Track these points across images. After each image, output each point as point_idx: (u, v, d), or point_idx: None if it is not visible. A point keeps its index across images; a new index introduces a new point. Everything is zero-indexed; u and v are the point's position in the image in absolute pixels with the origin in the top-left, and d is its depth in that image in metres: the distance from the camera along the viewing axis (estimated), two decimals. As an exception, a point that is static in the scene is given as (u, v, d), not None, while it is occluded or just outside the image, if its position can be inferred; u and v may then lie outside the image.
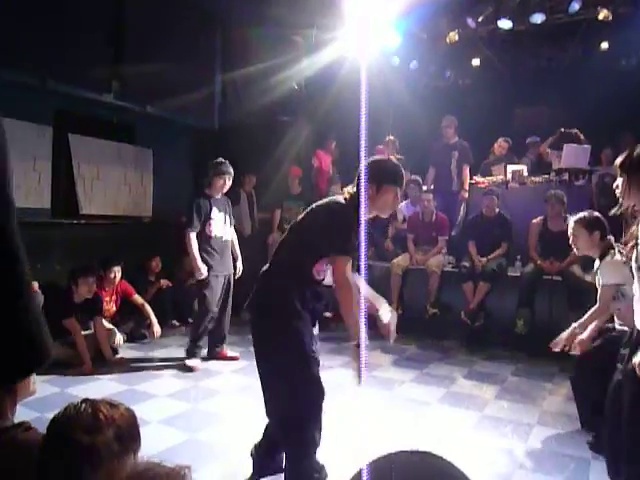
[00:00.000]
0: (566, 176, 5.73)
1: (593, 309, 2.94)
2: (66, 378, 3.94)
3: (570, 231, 3.09)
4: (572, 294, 4.70)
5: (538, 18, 6.73)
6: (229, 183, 4.55)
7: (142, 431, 1.28)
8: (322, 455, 2.33)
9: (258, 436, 2.56)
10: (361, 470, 1.33)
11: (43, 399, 3.26)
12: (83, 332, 4.35)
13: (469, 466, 1.51)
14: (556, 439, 3.09)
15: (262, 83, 7.00)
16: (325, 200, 2.41)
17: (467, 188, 6.46)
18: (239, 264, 4.69)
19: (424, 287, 5.62)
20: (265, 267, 2.41)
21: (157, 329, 4.81)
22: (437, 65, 8.50)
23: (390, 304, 2.58)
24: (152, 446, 2.74)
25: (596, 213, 3.11)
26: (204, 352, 4.58)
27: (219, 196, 4.56)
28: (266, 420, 2.45)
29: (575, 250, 3.14)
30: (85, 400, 1.23)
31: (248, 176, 6.57)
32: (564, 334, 3.02)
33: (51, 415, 1.21)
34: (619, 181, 2.22)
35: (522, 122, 8.29)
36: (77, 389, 3.74)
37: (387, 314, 2.41)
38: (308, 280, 2.28)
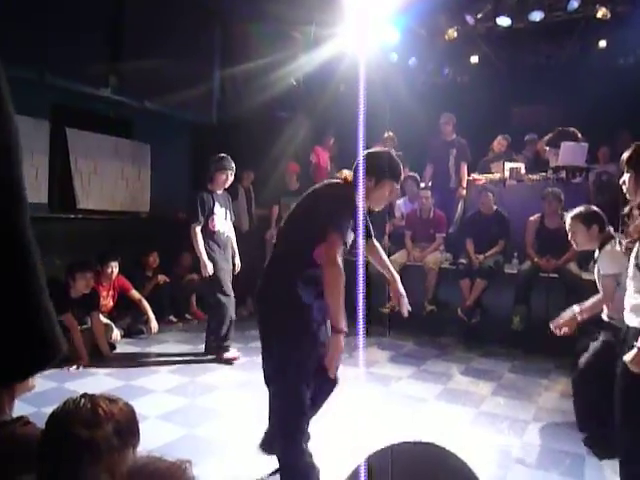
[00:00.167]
0: (563, 174, 5.75)
1: (597, 298, 2.90)
2: (63, 373, 3.94)
3: (568, 227, 3.08)
4: (569, 291, 4.70)
5: (537, 16, 6.74)
6: (231, 178, 4.54)
7: (140, 426, 1.28)
8: (318, 451, 2.33)
9: (256, 431, 2.57)
10: (359, 466, 1.33)
11: (40, 394, 3.26)
12: (80, 327, 4.35)
13: (465, 462, 1.52)
14: (552, 435, 3.11)
15: (261, 79, 6.99)
16: (318, 185, 2.42)
17: (465, 185, 6.47)
18: (237, 260, 4.68)
19: (421, 284, 5.63)
20: (267, 260, 2.40)
21: (154, 325, 4.81)
22: (435, 62, 8.49)
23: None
24: (150, 441, 2.73)
25: (593, 207, 3.10)
26: (227, 342, 4.49)
27: (221, 191, 4.55)
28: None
29: (574, 245, 3.12)
30: (84, 395, 1.23)
31: (246, 172, 6.56)
32: (565, 314, 2.97)
33: (48, 410, 1.21)
34: (626, 177, 2.20)
35: (520, 120, 8.30)
36: (74, 384, 3.74)
37: (400, 284, 2.56)
38: (310, 265, 2.22)
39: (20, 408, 1.51)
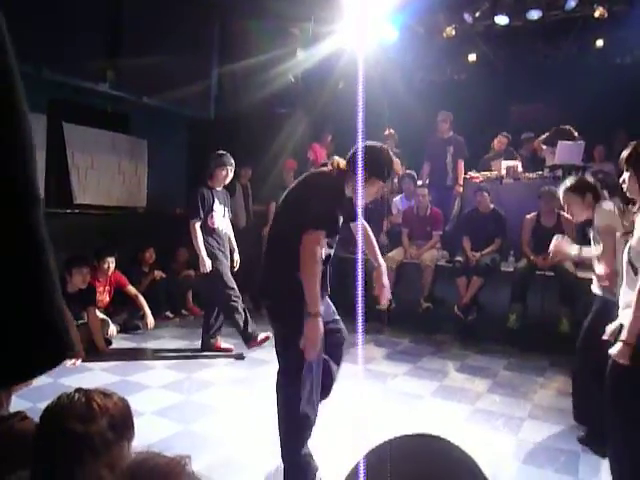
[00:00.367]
0: (560, 172, 5.76)
1: (598, 251, 2.76)
2: (59, 368, 3.93)
3: (562, 201, 2.99)
4: (564, 289, 4.72)
5: (535, 14, 6.76)
6: (231, 175, 4.53)
7: (135, 422, 1.28)
8: (315, 449, 2.34)
9: (251, 427, 2.57)
10: (358, 464, 1.33)
11: (36, 389, 3.25)
12: (76, 322, 4.34)
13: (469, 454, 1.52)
14: (547, 432, 3.12)
15: (259, 75, 6.97)
16: (308, 173, 2.44)
17: (461, 183, 6.48)
18: (236, 256, 4.68)
19: (418, 281, 5.65)
20: (263, 251, 2.43)
21: (151, 320, 4.81)
22: (433, 59, 8.49)
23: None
24: (146, 437, 2.73)
25: (585, 176, 3.05)
26: (252, 327, 4.44)
27: (220, 188, 4.54)
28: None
29: (572, 218, 3.04)
30: (78, 389, 1.23)
31: (244, 168, 6.54)
32: (565, 244, 2.93)
33: (44, 405, 1.21)
34: (625, 176, 2.20)
35: (517, 118, 8.31)
36: (70, 379, 3.73)
37: (385, 273, 2.53)
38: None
39: (16, 403, 1.51)
